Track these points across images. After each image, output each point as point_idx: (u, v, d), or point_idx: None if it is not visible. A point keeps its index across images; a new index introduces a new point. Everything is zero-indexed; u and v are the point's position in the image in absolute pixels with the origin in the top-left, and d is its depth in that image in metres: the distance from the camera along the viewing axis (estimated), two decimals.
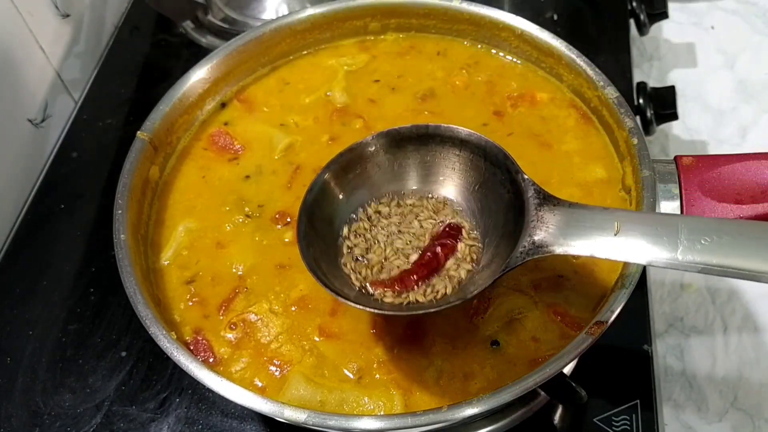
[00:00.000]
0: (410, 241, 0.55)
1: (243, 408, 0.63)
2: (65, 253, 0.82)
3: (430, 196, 0.58)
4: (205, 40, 1.02)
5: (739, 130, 1.08)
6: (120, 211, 0.60)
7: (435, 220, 0.56)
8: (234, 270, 0.61)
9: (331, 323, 0.58)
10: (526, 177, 0.52)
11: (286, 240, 0.63)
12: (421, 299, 0.53)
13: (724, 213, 0.57)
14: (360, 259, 0.55)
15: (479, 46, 0.75)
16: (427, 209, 0.57)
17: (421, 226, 0.56)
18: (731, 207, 0.57)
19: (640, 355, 0.70)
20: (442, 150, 0.57)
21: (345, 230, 0.56)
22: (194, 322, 0.59)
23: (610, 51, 0.97)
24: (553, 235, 0.49)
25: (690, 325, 0.88)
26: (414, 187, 0.58)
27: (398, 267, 0.54)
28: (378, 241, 0.56)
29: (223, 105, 0.73)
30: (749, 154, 0.58)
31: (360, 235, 0.56)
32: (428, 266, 0.54)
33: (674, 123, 1.01)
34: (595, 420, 0.67)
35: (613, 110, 0.64)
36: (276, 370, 0.56)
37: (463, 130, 0.55)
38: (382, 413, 0.53)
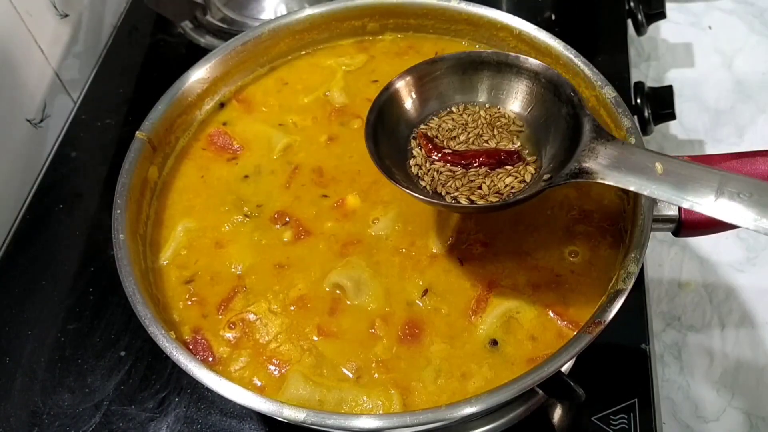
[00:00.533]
0: (480, 142, 0.59)
1: (242, 407, 0.63)
2: (64, 252, 0.82)
3: (500, 108, 0.61)
4: (204, 40, 1.02)
5: (737, 129, 1.08)
6: (119, 211, 0.60)
7: (502, 133, 0.59)
8: (233, 270, 0.61)
9: (329, 323, 0.58)
10: (588, 113, 0.54)
11: (285, 240, 0.63)
12: (480, 197, 0.55)
13: None
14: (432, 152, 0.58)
15: (477, 46, 0.75)
16: (497, 120, 0.60)
17: (492, 134, 0.59)
18: None
19: (637, 354, 0.71)
20: (517, 79, 0.60)
21: (415, 132, 0.59)
22: (193, 321, 0.59)
23: (607, 51, 0.97)
24: (600, 165, 0.51)
25: (688, 324, 0.89)
26: (485, 102, 0.61)
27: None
28: (450, 137, 0.59)
29: (222, 105, 0.73)
30: (745, 152, 0.59)
31: (432, 134, 0.59)
32: (494, 156, 0.57)
33: (672, 123, 1.01)
34: (593, 419, 0.67)
35: (610, 110, 0.64)
36: (275, 370, 0.56)
37: (540, 64, 0.58)
38: (380, 412, 0.53)
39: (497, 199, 0.55)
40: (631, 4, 1.03)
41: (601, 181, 0.50)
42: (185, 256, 0.62)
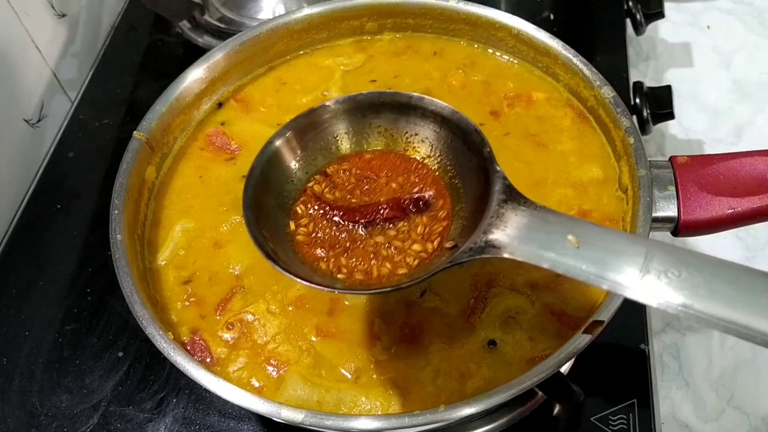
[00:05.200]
0: (382, 193, 0.52)
1: (240, 408, 0.63)
2: (62, 253, 0.81)
3: (405, 151, 0.53)
4: (202, 40, 1.02)
5: (735, 129, 1.08)
6: (117, 211, 0.59)
7: (405, 181, 0.52)
8: (231, 270, 0.61)
9: (328, 323, 0.58)
10: (498, 169, 0.48)
11: None
12: (374, 274, 0.49)
13: (720, 206, 0.57)
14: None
15: (476, 45, 0.75)
16: (401, 164, 0.53)
17: (388, 185, 0.52)
18: (728, 200, 0.57)
19: (636, 354, 0.71)
20: (423, 123, 0.53)
21: (302, 197, 0.52)
22: (191, 322, 0.59)
23: (606, 51, 0.97)
24: (508, 237, 0.44)
25: (686, 324, 0.89)
26: (380, 149, 0.54)
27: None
28: (345, 191, 0.52)
29: (220, 105, 0.72)
30: (744, 152, 0.59)
31: (319, 190, 0.52)
32: (397, 206, 0.50)
33: (670, 122, 1.01)
34: (592, 419, 0.67)
35: (609, 110, 0.64)
36: (273, 370, 0.56)
37: (447, 107, 0.52)
38: (379, 413, 0.53)
39: (404, 274, 0.48)
40: (630, 3, 1.03)
41: (510, 257, 0.44)
42: (183, 257, 0.62)
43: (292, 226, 0.51)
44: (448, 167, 0.52)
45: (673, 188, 0.58)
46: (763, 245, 0.94)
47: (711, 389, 0.83)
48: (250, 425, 0.68)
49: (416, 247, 0.50)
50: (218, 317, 0.59)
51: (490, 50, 0.74)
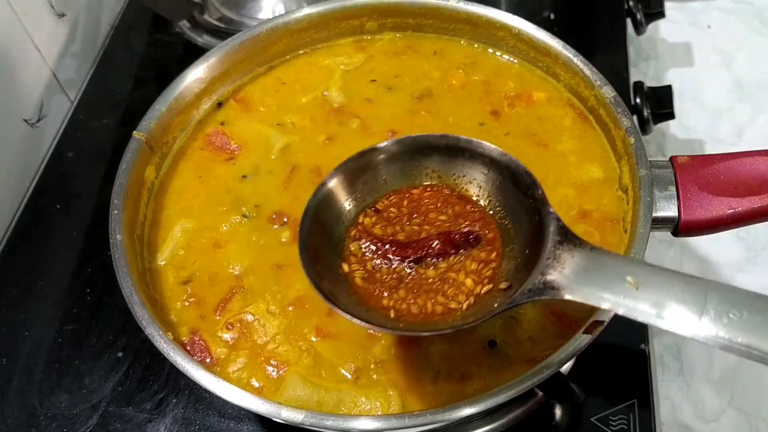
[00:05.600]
0: (430, 227, 0.52)
1: (240, 408, 0.63)
2: (61, 253, 0.81)
3: (455, 189, 0.54)
4: (202, 39, 1.02)
5: (736, 129, 1.08)
6: (116, 212, 0.59)
7: (455, 213, 0.52)
8: (231, 270, 0.61)
9: (328, 323, 0.58)
10: (551, 210, 0.48)
11: (283, 240, 0.62)
12: (429, 309, 0.49)
13: (721, 206, 0.57)
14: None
15: (476, 45, 0.75)
16: (450, 201, 0.53)
17: (438, 219, 0.52)
18: (728, 200, 0.57)
19: (637, 355, 0.71)
20: (471, 165, 0.53)
21: (352, 232, 0.53)
22: (191, 322, 0.58)
23: (606, 50, 0.97)
24: (566, 278, 0.45)
25: None
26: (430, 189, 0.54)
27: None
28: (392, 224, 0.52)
29: (220, 105, 0.72)
30: (744, 152, 0.59)
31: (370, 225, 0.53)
32: (449, 240, 0.50)
33: (671, 122, 1.01)
34: (592, 419, 0.67)
35: (610, 110, 0.64)
36: (273, 371, 0.56)
37: (496, 149, 0.52)
38: (379, 413, 0.53)
39: (459, 314, 0.48)
40: (630, 3, 1.03)
41: (570, 298, 0.44)
42: (183, 257, 0.62)
43: (346, 267, 0.52)
44: (498, 208, 0.53)
45: (673, 188, 0.58)
46: (764, 245, 0.94)
47: (711, 390, 0.83)
48: (250, 425, 0.68)
49: (468, 282, 0.50)
50: (218, 317, 0.59)
51: (491, 50, 0.74)
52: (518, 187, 0.51)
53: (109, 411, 0.69)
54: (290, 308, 0.59)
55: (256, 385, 0.55)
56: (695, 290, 0.42)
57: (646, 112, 0.92)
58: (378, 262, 0.51)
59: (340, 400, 0.54)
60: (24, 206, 0.87)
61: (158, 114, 0.66)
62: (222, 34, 1.00)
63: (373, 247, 0.51)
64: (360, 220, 0.53)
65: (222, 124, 0.71)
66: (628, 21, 1.02)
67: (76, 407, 0.70)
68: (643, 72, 1.14)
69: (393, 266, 0.51)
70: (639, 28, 1.03)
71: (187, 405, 0.69)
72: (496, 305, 0.47)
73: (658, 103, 0.92)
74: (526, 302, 0.46)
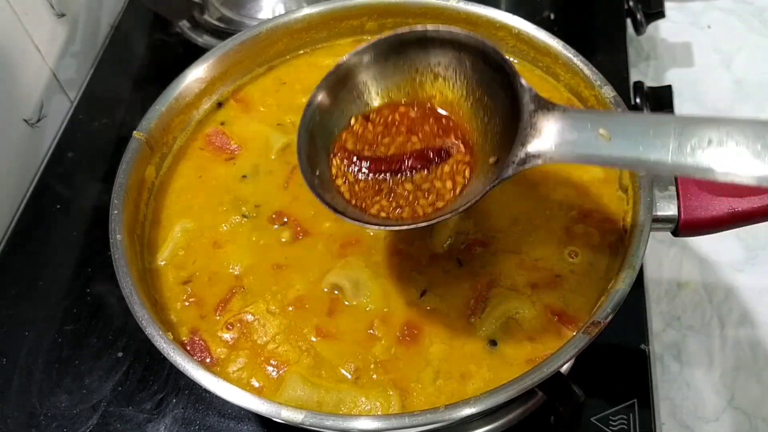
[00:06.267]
0: (407, 145, 0.55)
1: (240, 408, 0.63)
2: (61, 253, 0.81)
3: (428, 106, 0.56)
4: (202, 39, 1.02)
5: None
6: (116, 212, 0.59)
7: (428, 132, 0.55)
8: (231, 270, 0.61)
9: (328, 323, 0.58)
10: (523, 81, 0.50)
11: (283, 240, 0.62)
12: (412, 213, 0.52)
13: (721, 206, 0.57)
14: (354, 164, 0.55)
15: None
16: (421, 119, 0.56)
17: (420, 134, 0.56)
18: (728, 200, 0.57)
19: (637, 355, 0.71)
20: (443, 54, 0.55)
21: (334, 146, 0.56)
22: (191, 322, 0.58)
23: (607, 50, 0.97)
24: (545, 144, 0.47)
25: (687, 324, 0.88)
26: (410, 93, 0.57)
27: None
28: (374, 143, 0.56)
29: (220, 105, 0.72)
30: None
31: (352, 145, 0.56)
32: (422, 157, 0.53)
33: None
34: (592, 419, 0.67)
35: (610, 110, 0.64)
36: (273, 371, 0.56)
37: (463, 32, 0.53)
38: (379, 413, 0.53)
39: (442, 205, 0.52)
40: (630, 3, 1.03)
41: (551, 162, 0.48)
42: (183, 257, 0.62)
43: (334, 170, 0.55)
44: (476, 88, 0.55)
45: (673, 188, 0.58)
46: (764, 245, 0.94)
47: (712, 389, 0.83)
48: (250, 425, 0.68)
49: (448, 185, 0.53)
50: (218, 317, 0.59)
51: None
52: (490, 65, 0.53)
53: (109, 411, 0.69)
54: (290, 308, 0.59)
55: (256, 385, 0.55)
56: (664, 128, 0.43)
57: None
58: (357, 175, 0.55)
59: (340, 400, 0.54)
60: (24, 206, 0.87)
61: (158, 114, 0.66)
62: (222, 34, 1.00)
63: (347, 162, 0.55)
64: (341, 135, 0.56)
65: (222, 124, 0.71)
66: (628, 21, 1.02)
67: (76, 407, 0.70)
68: (643, 72, 1.14)
69: (369, 179, 0.54)
70: (639, 28, 1.03)
71: (187, 405, 0.69)
72: (487, 185, 0.50)
73: (658, 103, 0.92)
74: (513, 174, 0.48)
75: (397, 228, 0.53)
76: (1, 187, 0.84)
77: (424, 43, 0.55)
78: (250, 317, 0.59)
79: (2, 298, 0.78)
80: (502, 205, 0.63)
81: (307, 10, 0.74)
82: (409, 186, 0.54)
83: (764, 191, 0.57)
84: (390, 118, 0.56)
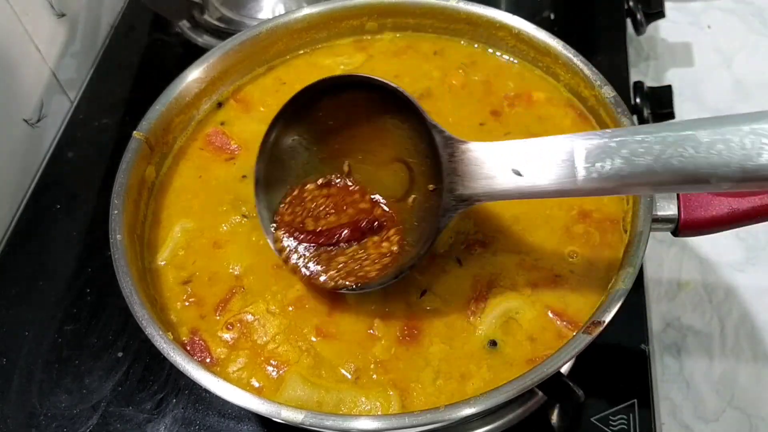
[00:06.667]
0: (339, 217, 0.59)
1: (240, 408, 0.63)
2: (61, 253, 0.81)
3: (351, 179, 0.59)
4: (202, 39, 1.02)
5: None
6: (116, 212, 0.59)
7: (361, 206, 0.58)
8: (231, 270, 0.61)
9: (328, 323, 0.58)
10: (429, 121, 0.52)
11: None
12: (353, 277, 0.55)
13: (721, 206, 0.57)
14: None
15: (476, 45, 0.75)
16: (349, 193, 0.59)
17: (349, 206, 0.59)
18: (728, 200, 0.57)
19: (637, 355, 0.70)
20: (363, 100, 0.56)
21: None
22: (191, 322, 0.58)
23: (606, 50, 0.97)
24: (468, 188, 0.50)
25: (687, 324, 0.88)
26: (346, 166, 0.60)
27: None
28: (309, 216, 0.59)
29: (220, 105, 0.72)
30: None
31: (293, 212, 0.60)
32: (356, 227, 0.56)
33: None
34: (592, 419, 0.67)
35: (609, 110, 0.64)
36: (273, 371, 0.56)
37: (373, 77, 0.55)
38: (379, 413, 0.53)
39: (393, 269, 0.55)
40: (630, 3, 1.03)
41: (479, 203, 0.51)
42: (183, 257, 0.62)
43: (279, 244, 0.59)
44: (394, 150, 0.57)
45: None
46: (764, 245, 0.94)
47: (712, 389, 0.83)
48: (250, 425, 0.68)
49: (384, 249, 0.56)
50: (218, 317, 0.59)
51: (491, 50, 0.74)
52: (402, 113, 0.54)
53: (109, 411, 0.69)
54: (290, 308, 0.59)
55: (256, 385, 0.55)
56: (564, 154, 0.47)
57: (646, 113, 0.92)
58: (297, 248, 0.58)
59: (340, 400, 0.54)
60: (24, 206, 0.87)
61: (158, 114, 0.66)
62: (222, 34, 1.00)
63: (291, 237, 0.59)
64: (279, 211, 0.60)
65: (222, 124, 0.71)
66: (628, 21, 1.02)
67: (76, 407, 0.70)
68: (643, 72, 1.14)
69: (310, 252, 0.58)
70: (639, 28, 1.03)
71: (187, 405, 0.69)
72: (427, 231, 0.53)
73: (658, 103, 0.92)
74: (452, 218, 0.52)
75: (362, 291, 0.56)
76: (1, 187, 0.84)
77: (340, 90, 0.57)
78: (250, 317, 0.58)
79: (2, 298, 0.78)
80: (502, 205, 0.63)
81: (307, 10, 0.74)
82: (342, 258, 0.57)
83: (764, 191, 0.57)
84: (320, 195, 0.59)
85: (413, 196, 0.56)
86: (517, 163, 0.49)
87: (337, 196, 0.59)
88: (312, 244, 0.57)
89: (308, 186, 0.60)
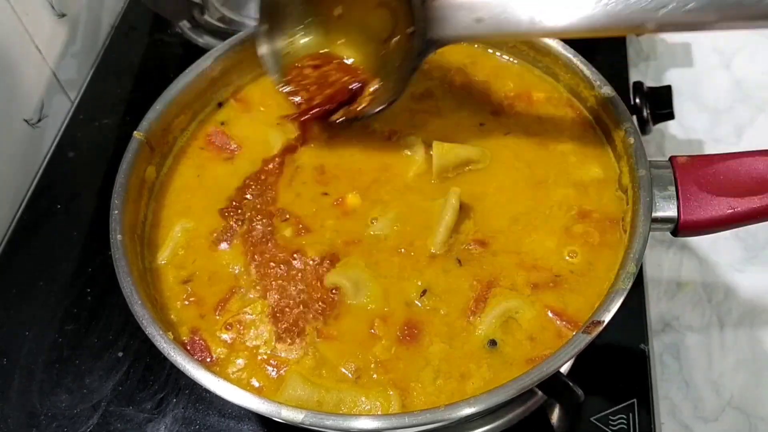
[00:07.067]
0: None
1: (240, 408, 0.63)
2: (62, 253, 0.81)
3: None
4: (202, 39, 1.02)
5: (736, 129, 1.08)
6: (116, 212, 0.59)
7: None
8: (230, 270, 0.61)
9: (328, 323, 0.58)
10: None
11: (286, 237, 0.62)
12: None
13: (720, 206, 0.57)
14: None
15: (476, 45, 0.75)
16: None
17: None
18: (728, 200, 0.57)
19: (636, 354, 0.71)
20: None
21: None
22: (191, 321, 0.59)
23: (606, 50, 0.97)
24: (438, 34, 0.59)
25: (686, 324, 0.89)
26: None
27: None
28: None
29: (220, 105, 0.72)
30: (744, 152, 0.59)
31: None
32: (343, 93, 0.66)
33: (671, 122, 1.01)
34: (592, 419, 0.67)
35: (609, 110, 0.64)
36: (273, 371, 0.56)
37: None
38: (379, 413, 0.53)
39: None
40: None
41: (446, 45, 0.61)
42: (183, 256, 0.62)
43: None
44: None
45: (673, 188, 0.58)
46: (763, 245, 0.94)
47: (711, 389, 0.83)
48: (250, 425, 0.68)
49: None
50: (218, 317, 0.59)
51: (490, 50, 0.74)
52: None
53: (109, 411, 0.69)
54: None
55: (257, 384, 0.55)
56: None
57: (645, 113, 0.92)
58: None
59: (340, 400, 0.54)
60: (24, 206, 0.87)
61: (158, 114, 0.66)
62: (222, 34, 1.00)
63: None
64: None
65: (222, 123, 0.71)
66: None
67: (76, 407, 0.70)
68: (642, 72, 1.14)
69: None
70: None
71: (187, 405, 0.69)
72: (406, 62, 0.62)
73: (658, 103, 0.92)
74: (421, 60, 0.62)
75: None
76: (1, 187, 0.84)
77: None
78: (249, 317, 0.59)
79: (2, 298, 0.78)
80: (502, 205, 0.63)
81: None
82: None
83: (764, 191, 0.57)
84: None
85: (397, 37, 0.63)
86: (479, 14, 0.57)
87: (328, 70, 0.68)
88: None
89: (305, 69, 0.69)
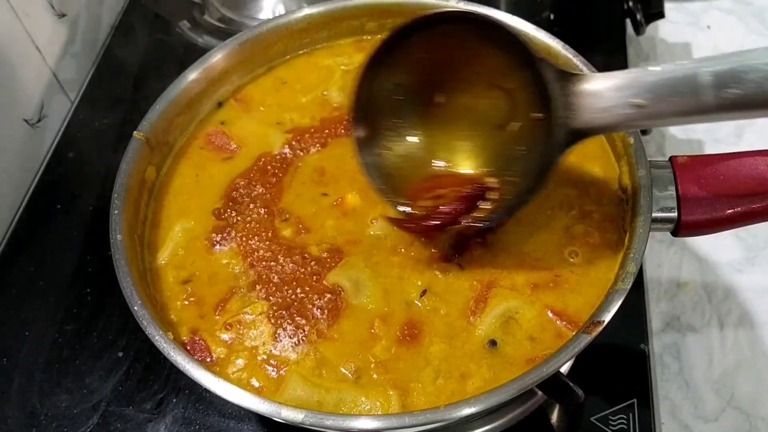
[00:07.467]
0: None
1: (240, 408, 0.63)
2: (61, 253, 0.81)
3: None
4: (202, 39, 1.02)
5: (736, 129, 1.08)
6: (116, 212, 0.59)
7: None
8: (230, 270, 0.61)
9: (329, 324, 0.58)
10: (540, 56, 0.51)
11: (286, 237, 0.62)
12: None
13: (720, 206, 0.57)
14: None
15: None
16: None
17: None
18: (728, 200, 0.57)
19: (636, 354, 0.71)
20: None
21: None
22: (191, 321, 0.59)
23: (606, 50, 0.97)
24: (584, 122, 0.49)
25: (687, 324, 0.88)
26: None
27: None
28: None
29: (220, 104, 0.72)
30: (744, 152, 0.59)
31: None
32: (466, 199, 0.57)
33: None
34: (592, 419, 0.67)
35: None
36: (273, 371, 0.56)
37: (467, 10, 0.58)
38: (379, 413, 0.53)
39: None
40: (630, 3, 1.02)
41: (594, 136, 0.51)
42: (183, 256, 0.62)
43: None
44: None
45: (673, 188, 0.58)
46: (763, 245, 0.94)
47: (711, 389, 0.83)
48: (250, 425, 0.68)
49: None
50: (217, 317, 0.59)
51: None
52: (497, 45, 0.54)
53: (109, 411, 0.69)
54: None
55: (257, 384, 0.55)
56: (689, 82, 0.47)
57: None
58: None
59: (340, 400, 0.54)
60: (24, 206, 0.87)
61: (159, 114, 0.66)
62: (222, 34, 1.00)
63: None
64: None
65: (222, 123, 0.71)
66: (628, 21, 1.02)
67: (76, 407, 0.70)
68: None
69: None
70: (638, 29, 1.03)
71: (187, 405, 0.69)
72: (542, 153, 0.53)
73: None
74: (561, 156, 0.52)
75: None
76: (2, 187, 0.84)
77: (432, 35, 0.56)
78: (249, 317, 0.59)
79: (3, 298, 0.78)
80: None
81: (307, 11, 0.74)
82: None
83: (764, 191, 0.57)
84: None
85: (516, 123, 0.55)
86: (638, 93, 0.48)
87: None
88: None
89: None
